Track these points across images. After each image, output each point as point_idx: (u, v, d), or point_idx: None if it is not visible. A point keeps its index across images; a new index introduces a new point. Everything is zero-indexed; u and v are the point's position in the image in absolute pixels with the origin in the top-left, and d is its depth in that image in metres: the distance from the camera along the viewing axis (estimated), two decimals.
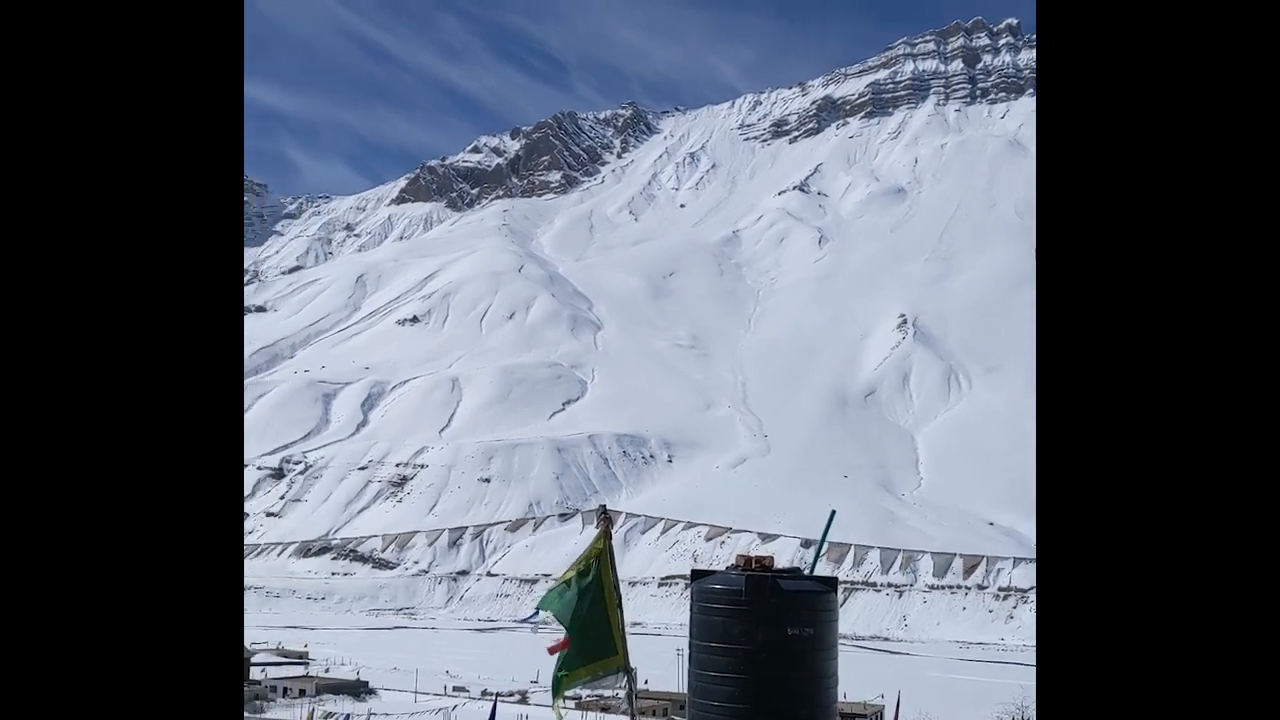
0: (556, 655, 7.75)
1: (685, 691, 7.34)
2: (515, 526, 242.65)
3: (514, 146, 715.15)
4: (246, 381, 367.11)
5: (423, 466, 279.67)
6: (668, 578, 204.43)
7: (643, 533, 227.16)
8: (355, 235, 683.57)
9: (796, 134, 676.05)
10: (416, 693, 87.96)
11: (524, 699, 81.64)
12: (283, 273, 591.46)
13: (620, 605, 7.80)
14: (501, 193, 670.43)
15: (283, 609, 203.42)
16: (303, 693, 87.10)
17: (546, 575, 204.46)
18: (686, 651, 7.36)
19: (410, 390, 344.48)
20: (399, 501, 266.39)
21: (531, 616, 7.97)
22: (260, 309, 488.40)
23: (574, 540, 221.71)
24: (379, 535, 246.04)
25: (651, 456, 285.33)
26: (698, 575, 7.89)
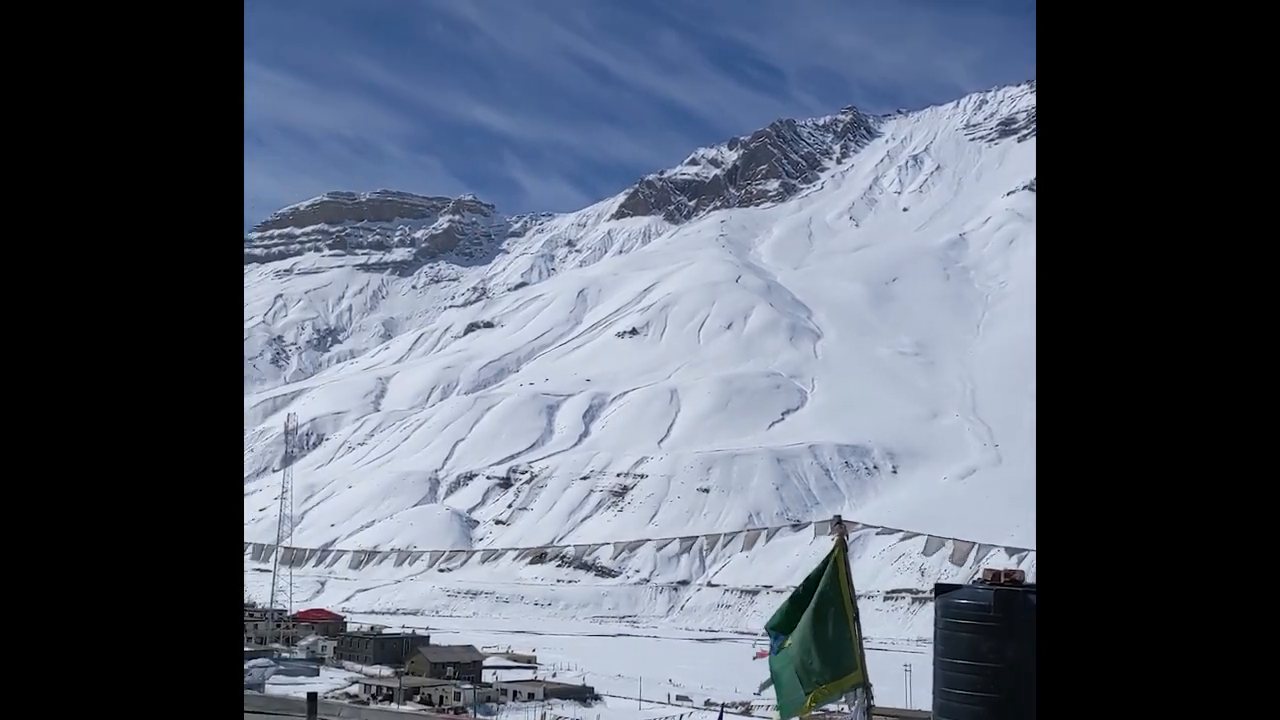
0: (781, 669, 7.32)
1: (913, 708, 6.85)
2: (751, 538, 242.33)
3: (731, 157, 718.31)
4: (475, 395, 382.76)
5: (643, 476, 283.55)
6: (894, 591, 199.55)
7: (868, 545, 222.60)
8: (576, 251, 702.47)
9: (1025, 132, 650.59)
10: (641, 700, 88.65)
11: (748, 711, 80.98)
12: (509, 289, 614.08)
13: (857, 619, 7.30)
14: (719, 203, 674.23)
15: (511, 614, 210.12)
16: (531, 696, 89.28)
17: (767, 587, 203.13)
18: (919, 668, 6.77)
19: (630, 401, 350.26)
20: (620, 511, 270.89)
21: (774, 642, 7.47)
22: (488, 325, 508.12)
23: (796, 551, 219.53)
24: (603, 544, 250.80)
25: (875, 467, 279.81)
26: (943, 590, 7.38)
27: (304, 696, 28.96)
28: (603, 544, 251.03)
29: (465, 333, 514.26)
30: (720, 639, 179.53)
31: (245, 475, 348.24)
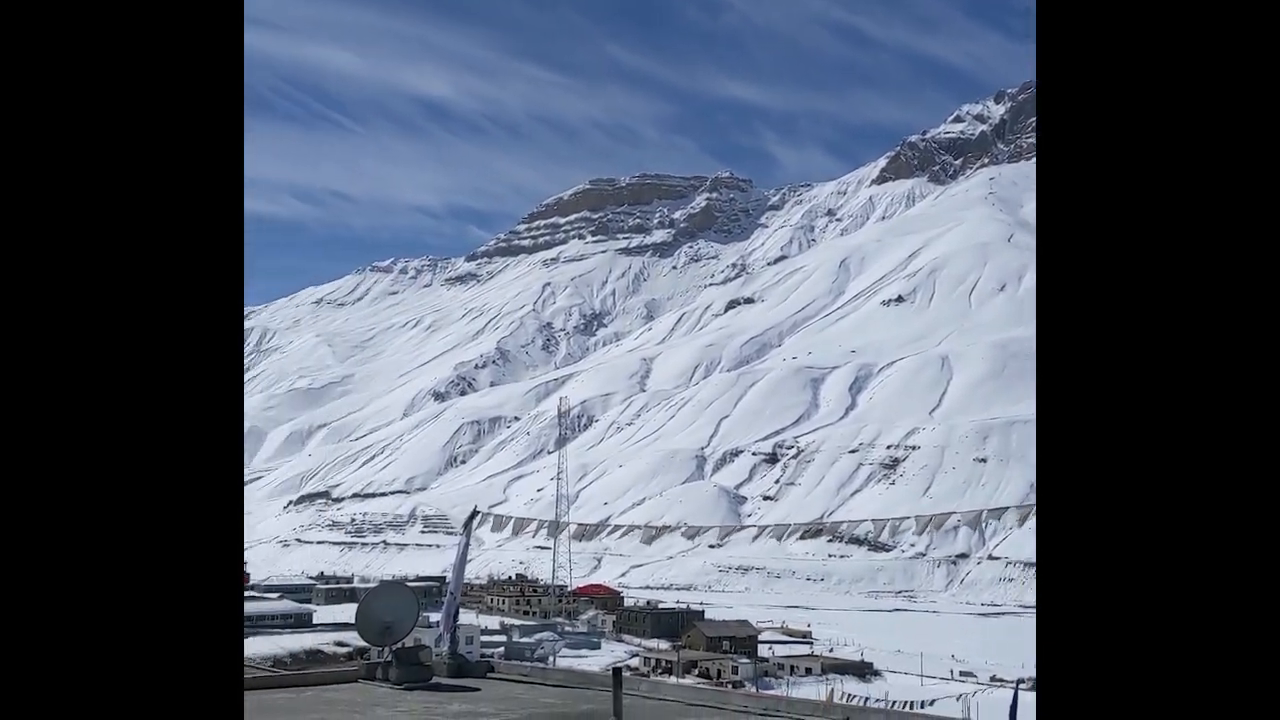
0: None
1: None
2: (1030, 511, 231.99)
3: (998, 111, 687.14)
4: (738, 371, 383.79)
5: (914, 448, 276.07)
6: None
7: None
8: (837, 220, 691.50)
9: None
10: (923, 676, 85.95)
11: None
12: (768, 264, 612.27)
13: None
14: (986, 161, 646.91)
15: (783, 590, 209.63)
16: (809, 671, 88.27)
17: None
18: None
19: (898, 371, 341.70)
20: (891, 484, 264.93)
21: None
22: (749, 301, 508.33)
23: None
24: (870, 520, 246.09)
25: None
26: None
27: (592, 670, 29.21)
28: (871, 519, 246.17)
29: (726, 310, 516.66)
30: (1004, 613, 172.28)
31: (521, 458, 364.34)
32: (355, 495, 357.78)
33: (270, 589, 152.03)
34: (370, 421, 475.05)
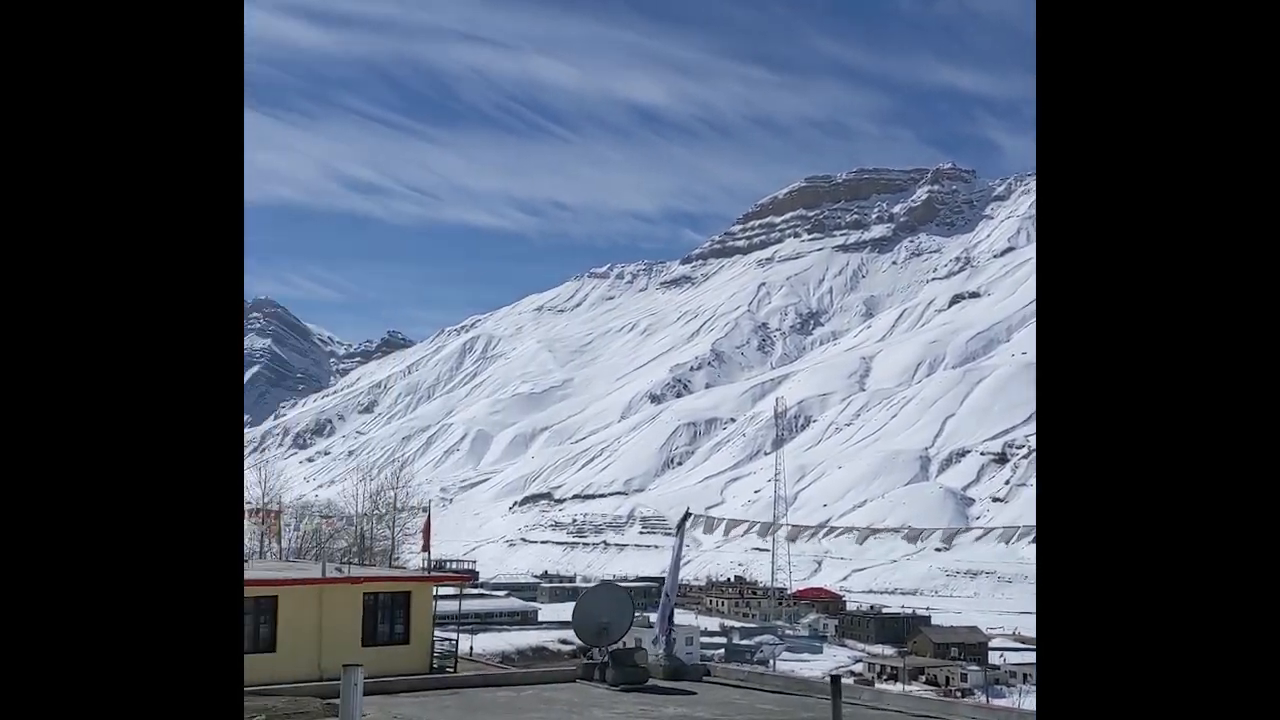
0: None
1: None
2: None
3: None
4: (963, 368, 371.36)
5: None
6: None
7: None
8: None
9: None
10: None
11: None
12: (994, 256, 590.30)
13: None
14: None
15: (1014, 595, 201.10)
16: None
17: None
18: None
19: None
20: None
21: None
22: (974, 295, 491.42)
23: None
24: None
25: None
26: None
27: (813, 675, 28.51)
28: None
29: (950, 305, 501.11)
30: None
31: (738, 459, 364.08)
32: (576, 496, 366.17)
33: (497, 587, 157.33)
34: (589, 424, 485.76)
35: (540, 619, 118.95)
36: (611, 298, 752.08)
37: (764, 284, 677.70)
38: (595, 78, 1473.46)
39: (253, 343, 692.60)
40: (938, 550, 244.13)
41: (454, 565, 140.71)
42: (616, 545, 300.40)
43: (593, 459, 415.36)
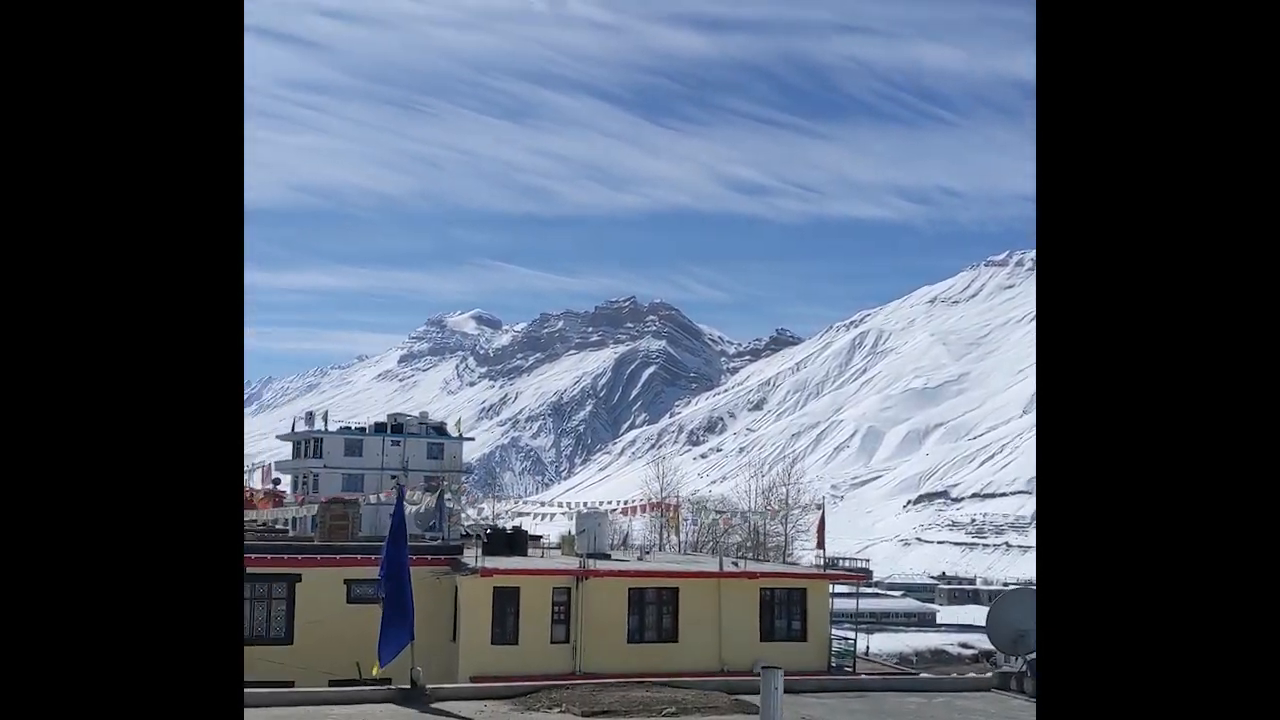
0: None
1: None
2: None
3: None
4: None
5: None
6: None
7: None
8: None
9: None
10: None
11: None
12: None
13: None
14: None
15: None
16: None
17: None
18: None
19: None
20: None
21: None
22: None
23: None
24: None
25: None
26: None
27: None
28: None
29: None
30: None
31: None
32: (974, 495, 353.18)
33: (892, 586, 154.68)
34: (988, 420, 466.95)
35: (939, 621, 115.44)
36: (1010, 286, 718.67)
37: None
38: (983, 59, 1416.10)
39: (649, 345, 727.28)
40: None
41: (847, 564, 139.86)
42: (1019, 547, 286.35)
43: (992, 456, 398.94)
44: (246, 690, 15.41)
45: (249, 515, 47.24)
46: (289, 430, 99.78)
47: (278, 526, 48.04)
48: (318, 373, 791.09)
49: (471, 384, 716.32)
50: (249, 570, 30.30)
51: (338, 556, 31.44)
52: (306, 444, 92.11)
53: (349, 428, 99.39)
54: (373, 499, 49.23)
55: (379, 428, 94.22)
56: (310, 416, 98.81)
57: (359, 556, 30.17)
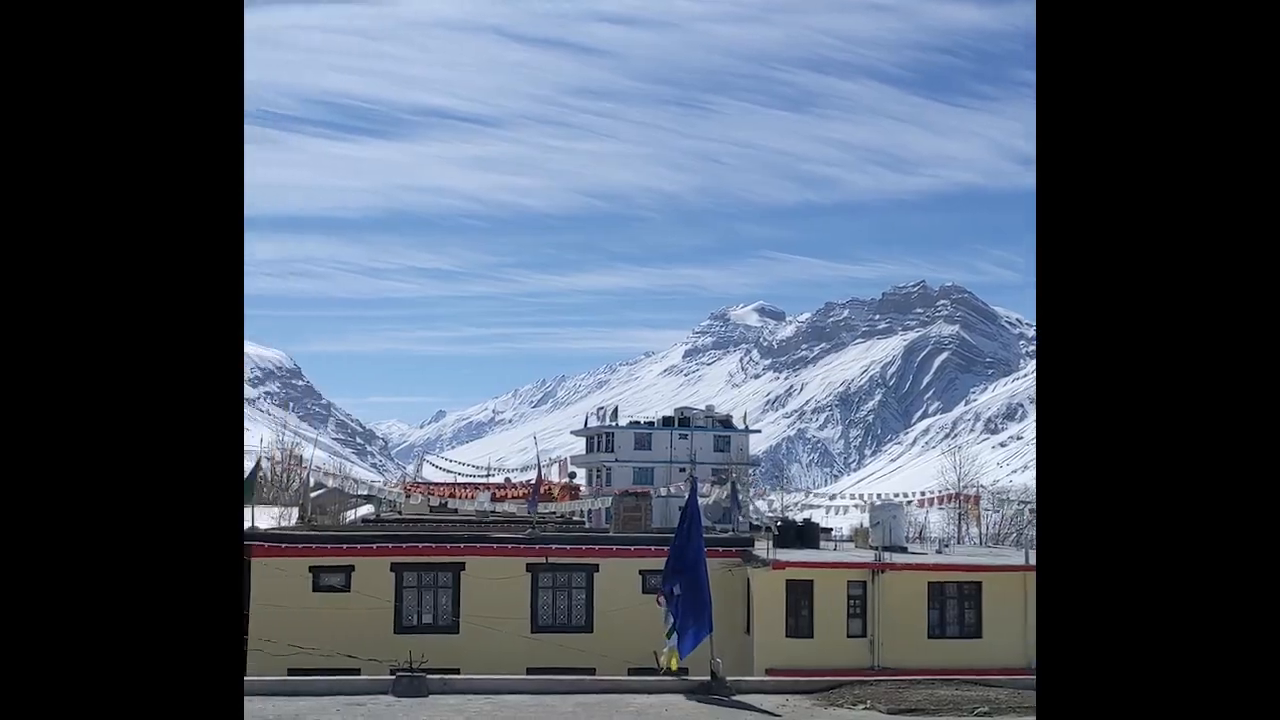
0: None
1: None
2: None
3: None
4: None
5: None
6: None
7: None
8: None
9: None
10: None
11: None
12: None
13: None
14: None
15: None
16: None
17: None
18: None
19: None
20: None
21: None
22: None
23: None
24: None
25: None
26: None
27: None
28: None
29: None
30: None
31: None
32: None
33: None
34: None
35: None
36: None
37: None
38: None
39: (941, 330, 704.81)
40: None
41: None
42: None
43: None
44: (549, 676, 15.78)
45: (549, 507, 49.18)
46: (582, 426, 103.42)
47: (575, 518, 49.74)
48: (607, 369, 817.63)
49: (756, 376, 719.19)
50: (552, 560, 31.50)
51: (632, 548, 32.04)
52: (599, 439, 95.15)
53: (638, 422, 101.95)
54: (663, 491, 50.05)
55: (666, 422, 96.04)
56: (601, 412, 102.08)
57: (652, 548, 30.64)
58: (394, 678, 12.53)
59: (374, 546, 31.58)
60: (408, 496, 53.45)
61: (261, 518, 48.42)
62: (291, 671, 25.28)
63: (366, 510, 56.88)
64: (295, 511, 48.84)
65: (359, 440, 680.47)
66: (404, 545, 31.71)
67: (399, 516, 48.98)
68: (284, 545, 31.56)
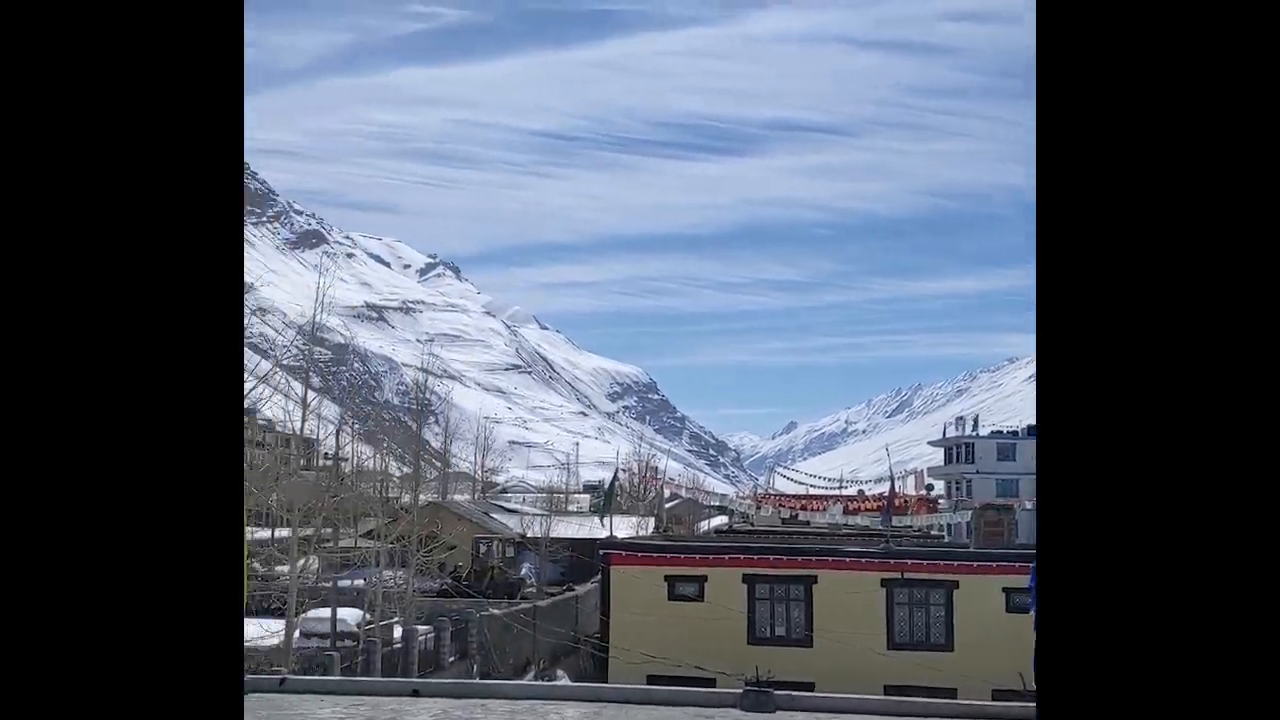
0: None
1: None
2: None
3: None
4: None
5: None
6: None
7: None
8: None
9: None
10: None
11: None
12: None
13: None
14: None
15: None
16: None
17: None
18: None
19: None
20: None
21: None
22: None
23: None
24: None
25: None
26: None
27: None
28: None
29: None
30: None
31: None
32: None
33: None
34: None
35: None
36: None
37: None
38: None
39: None
40: None
41: None
42: None
43: None
44: (907, 698, 15.02)
45: (904, 521, 47.76)
46: (940, 436, 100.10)
47: (933, 533, 48.01)
48: (967, 377, 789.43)
49: None
50: (908, 575, 30.43)
51: (994, 564, 30.34)
52: (958, 449, 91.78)
53: (1001, 431, 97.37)
54: (1028, 505, 47.24)
55: (1032, 431, 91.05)
56: (961, 421, 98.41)
57: (1016, 564, 28.83)
58: (741, 691, 12.34)
59: (726, 557, 31.82)
60: (759, 508, 53.86)
61: (619, 527, 50.39)
62: (650, 679, 25.92)
63: (720, 521, 57.77)
64: (651, 521, 50.37)
65: (712, 452, 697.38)
66: (756, 556, 31.75)
67: (751, 528, 49.35)
68: (640, 554, 32.48)
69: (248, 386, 26.82)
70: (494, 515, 60.24)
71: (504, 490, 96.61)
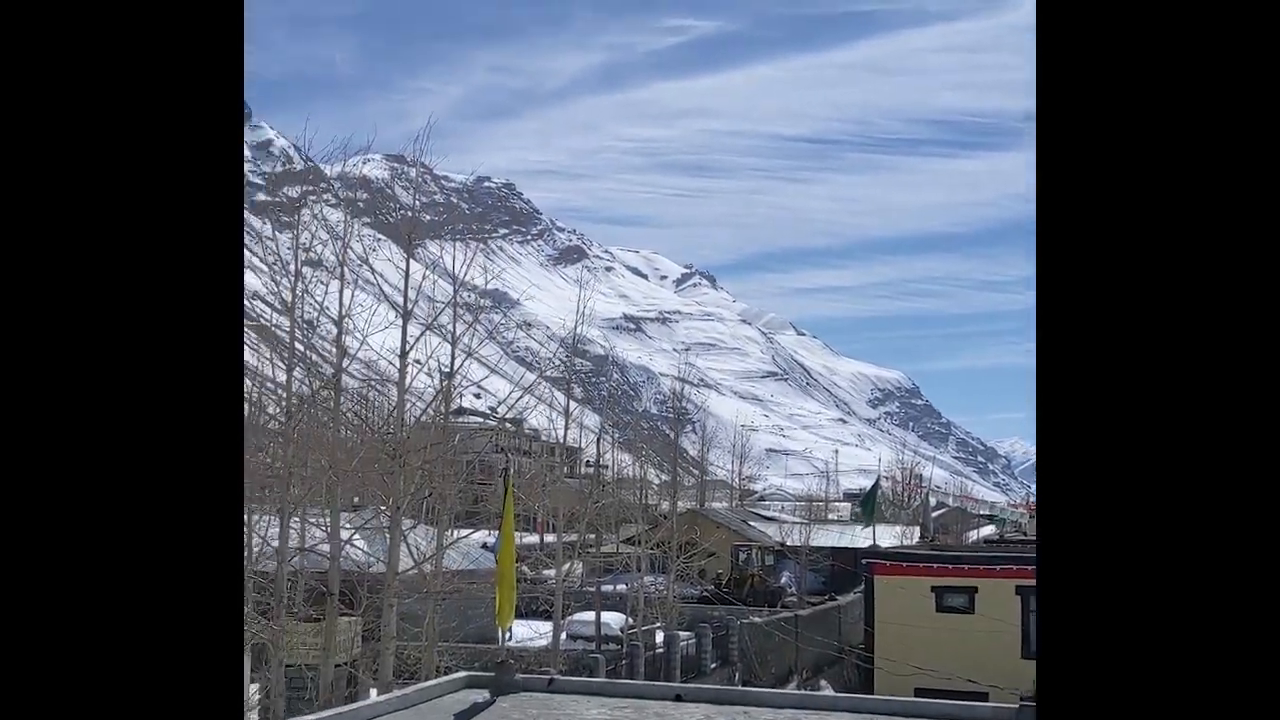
0: None
1: None
2: None
3: None
4: None
5: None
6: None
7: None
8: None
9: None
10: None
11: None
12: None
13: None
14: None
15: None
16: None
17: None
18: None
19: None
20: None
21: None
22: None
23: None
24: None
25: None
26: None
27: None
28: None
29: None
30: None
31: None
32: None
33: None
34: None
35: None
36: None
37: None
38: None
39: None
40: None
41: None
42: None
43: None
44: None
45: None
46: None
47: None
48: None
49: None
50: None
51: None
52: None
53: None
54: None
55: None
56: None
57: None
58: (1018, 707, 11.65)
59: (998, 568, 30.44)
60: (1032, 517, 51.30)
61: (883, 536, 49.18)
62: (917, 692, 25.06)
63: (989, 530, 55.49)
64: (916, 530, 48.95)
65: (980, 459, 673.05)
66: (1030, 567, 30.23)
67: (1024, 537, 47.09)
68: (905, 564, 31.56)
69: (514, 397, 27.92)
70: (752, 523, 60.16)
71: (762, 498, 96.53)
